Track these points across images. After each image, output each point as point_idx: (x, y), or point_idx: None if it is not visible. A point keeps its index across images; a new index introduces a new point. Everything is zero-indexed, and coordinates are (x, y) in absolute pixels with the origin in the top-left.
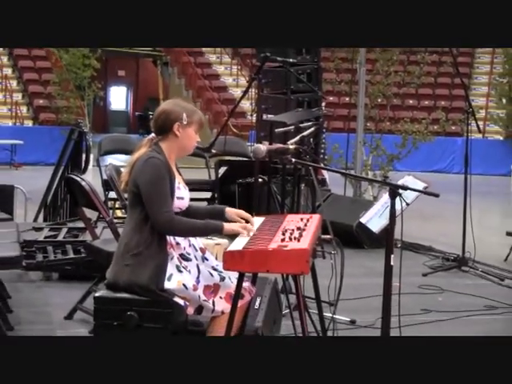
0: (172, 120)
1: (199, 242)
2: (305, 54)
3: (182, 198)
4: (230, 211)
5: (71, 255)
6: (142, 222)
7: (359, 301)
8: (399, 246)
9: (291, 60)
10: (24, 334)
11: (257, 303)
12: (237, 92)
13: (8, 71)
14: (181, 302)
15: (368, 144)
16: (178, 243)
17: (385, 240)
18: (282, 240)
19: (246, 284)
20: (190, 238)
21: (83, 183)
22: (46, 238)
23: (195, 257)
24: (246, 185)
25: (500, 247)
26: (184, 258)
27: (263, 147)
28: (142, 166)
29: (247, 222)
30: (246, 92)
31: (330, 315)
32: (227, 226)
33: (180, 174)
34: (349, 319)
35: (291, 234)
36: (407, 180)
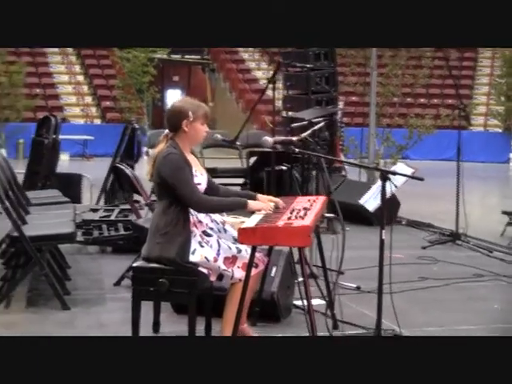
0: (180, 118)
1: (219, 217)
2: (323, 60)
3: (199, 184)
4: (262, 197)
5: (122, 232)
6: (168, 206)
7: (364, 270)
8: (403, 222)
9: (308, 65)
10: (79, 298)
11: (273, 272)
12: (273, 93)
13: (80, 78)
14: (204, 271)
15: (380, 136)
16: (200, 221)
17: (392, 218)
18: (289, 218)
19: (259, 255)
20: (211, 214)
21: (127, 171)
22: (100, 217)
23: (218, 229)
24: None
25: (497, 224)
26: (206, 234)
27: (270, 139)
28: (163, 162)
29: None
30: (262, 94)
31: (338, 282)
32: (251, 202)
33: (198, 161)
34: (355, 285)
35: (298, 213)
36: (398, 166)
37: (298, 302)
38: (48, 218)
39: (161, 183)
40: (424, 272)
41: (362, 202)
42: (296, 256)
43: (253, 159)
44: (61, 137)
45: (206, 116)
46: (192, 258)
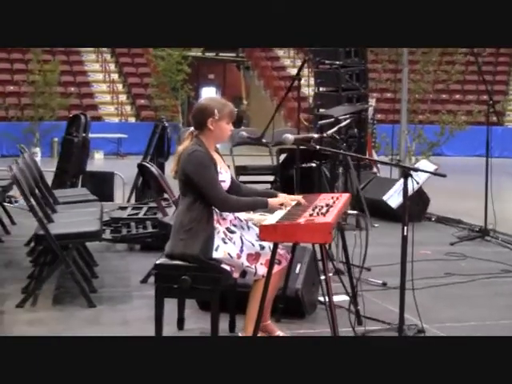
0: (206, 116)
1: (242, 215)
2: (353, 57)
3: (223, 181)
4: (282, 196)
5: (150, 230)
6: (192, 203)
7: (392, 266)
8: (433, 219)
9: (337, 62)
10: (105, 295)
11: (297, 268)
12: (308, 90)
13: (115, 76)
14: (227, 267)
15: (412, 133)
16: (224, 218)
17: (422, 215)
18: (311, 215)
19: (282, 252)
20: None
21: (152, 169)
22: (128, 215)
23: (241, 227)
24: (302, 169)
25: None
26: (230, 230)
27: (291, 136)
28: (188, 159)
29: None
30: (288, 91)
31: (366, 278)
32: (271, 201)
33: (221, 158)
34: (381, 281)
35: (320, 209)
36: (421, 163)
37: (323, 299)
38: (74, 216)
39: (185, 180)
40: (451, 268)
41: (385, 198)
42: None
43: (283, 156)
44: (95, 135)
45: (231, 115)
46: (215, 255)
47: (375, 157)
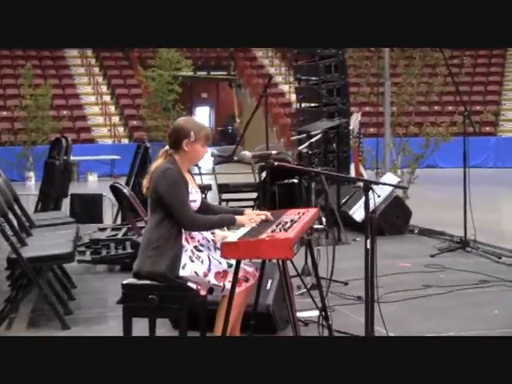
0: (181, 137)
1: (210, 235)
2: (334, 72)
3: (194, 201)
4: (249, 212)
5: (129, 250)
6: (161, 220)
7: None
8: (416, 231)
9: (313, 78)
10: (81, 317)
11: (268, 284)
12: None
13: (107, 98)
14: (193, 286)
15: (397, 146)
16: (192, 237)
17: (404, 228)
18: (273, 231)
19: (251, 269)
20: (203, 232)
21: (124, 190)
22: (107, 236)
23: (208, 247)
24: (283, 185)
25: None
26: (197, 249)
27: (248, 153)
28: (161, 177)
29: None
30: (256, 109)
31: (343, 292)
32: (239, 218)
33: (193, 179)
34: (356, 296)
35: (284, 225)
36: (386, 176)
37: (298, 314)
38: (48, 239)
39: (156, 198)
40: (430, 280)
41: (350, 212)
42: (292, 269)
43: (265, 173)
44: (88, 158)
45: (207, 137)
46: (182, 273)
47: (363, 171)
